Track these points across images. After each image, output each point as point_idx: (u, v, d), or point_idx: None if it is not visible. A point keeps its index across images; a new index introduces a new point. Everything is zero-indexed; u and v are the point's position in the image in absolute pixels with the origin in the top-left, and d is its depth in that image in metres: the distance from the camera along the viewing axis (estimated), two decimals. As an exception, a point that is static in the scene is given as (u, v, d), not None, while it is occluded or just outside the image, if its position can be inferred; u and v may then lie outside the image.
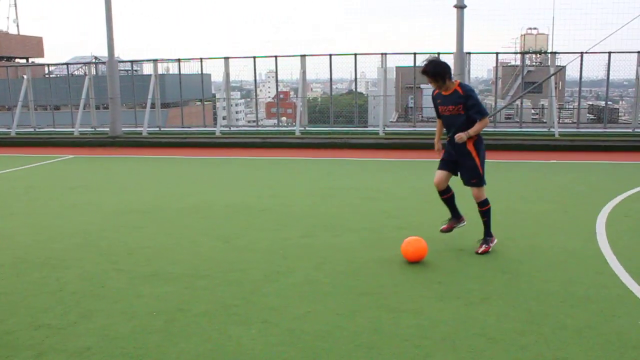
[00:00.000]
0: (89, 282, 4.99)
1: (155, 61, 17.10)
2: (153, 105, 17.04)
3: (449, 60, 13.32)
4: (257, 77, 17.36)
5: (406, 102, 34.88)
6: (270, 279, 4.97)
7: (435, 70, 5.44)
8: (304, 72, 15.70)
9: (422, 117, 25.65)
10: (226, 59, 16.27)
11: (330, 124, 16.00)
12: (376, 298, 4.48)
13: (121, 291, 4.76)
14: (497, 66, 17.31)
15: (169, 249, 5.93)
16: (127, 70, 26.72)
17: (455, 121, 5.54)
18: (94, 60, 29.52)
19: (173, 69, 21.24)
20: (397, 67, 31.47)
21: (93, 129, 17.73)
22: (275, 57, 16.10)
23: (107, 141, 15.66)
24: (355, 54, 15.67)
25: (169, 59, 18.12)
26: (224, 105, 18.25)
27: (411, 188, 8.93)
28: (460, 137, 5.43)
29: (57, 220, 7.28)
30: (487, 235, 5.69)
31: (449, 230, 5.94)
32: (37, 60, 43.44)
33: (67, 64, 24.97)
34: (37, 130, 18.46)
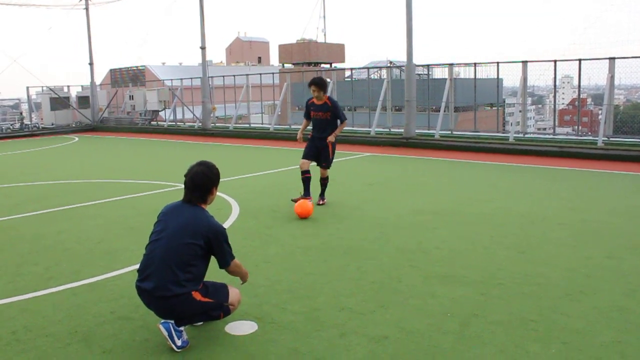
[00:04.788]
0: (386, 275, 5.22)
1: (450, 65, 17.25)
2: (445, 109, 17.23)
3: None
4: (555, 81, 16.34)
5: None
6: (571, 298, 4.60)
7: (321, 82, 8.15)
8: (612, 77, 14.28)
9: None
10: (524, 62, 15.67)
11: (640, 134, 14.28)
12: (703, 339, 3.83)
13: (416, 288, 4.88)
14: None
15: (462, 252, 5.91)
16: (419, 74, 27.51)
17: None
18: (389, 65, 30.96)
19: (463, 73, 21.23)
20: None
21: (388, 130, 18.62)
22: (579, 60, 14.95)
23: (401, 142, 16.29)
24: (680, 56, 13.73)
25: (464, 63, 18.08)
26: (513, 110, 17.62)
27: None
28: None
29: (356, 213, 7.80)
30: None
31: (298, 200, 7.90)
32: (339, 65, 47.25)
33: (366, 68, 26.66)
34: (337, 128, 20.03)
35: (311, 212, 7.54)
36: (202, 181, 4.03)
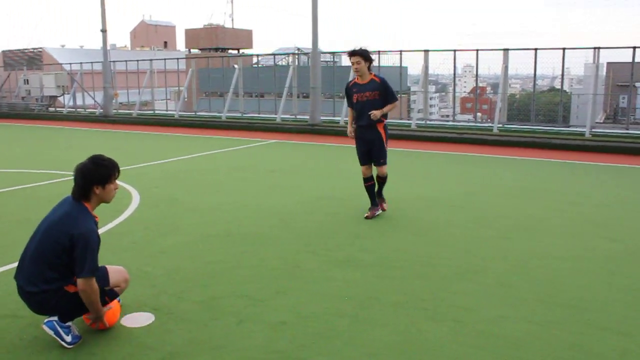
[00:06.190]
0: (284, 261, 5.26)
1: (355, 53, 17.47)
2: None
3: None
4: (455, 71, 16.98)
5: (616, 102, 32.09)
6: (462, 277, 4.83)
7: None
8: (506, 67, 15.04)
9: (634, 118, 23.29)
10: (426, 51, 16.15)
11: (532, 122, 15.15)
12: (576, 312, 4.13)
13: (314, 273, 4.95)
14: None
15: (360, 236, 6.04)
16: (326, 62, 27.74)
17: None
18: (297, 52, 31.00)
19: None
20: (608, 63, 28.99)
21: (294, 117, 18.68)
22: (477, 50, 15.60)
23: (307, 128, 16.40)
24: (564, 49, 14.64)
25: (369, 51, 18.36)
26: (416, 98, 18.19)
27: (622, 196, 8.14)
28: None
29: (258, 200, 7.78)
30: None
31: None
32: (247, 51, 46.77)
33: (273, 54, 26.59)
34: (243, 115, 19.92)
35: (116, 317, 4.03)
36: (79, 177, 3.75)
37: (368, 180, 6.90)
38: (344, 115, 16.95)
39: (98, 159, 3.81)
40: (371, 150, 6.77)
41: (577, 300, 4.33)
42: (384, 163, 6.79)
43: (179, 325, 3.95)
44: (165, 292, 4.52)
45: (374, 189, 6.93)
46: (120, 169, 3.94)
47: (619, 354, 3.52)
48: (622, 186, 9.00)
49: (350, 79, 6.74)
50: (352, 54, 6.54)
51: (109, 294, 3.87)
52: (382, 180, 6.90)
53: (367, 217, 6.76)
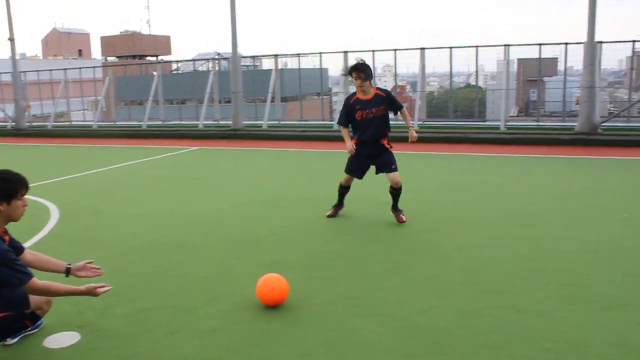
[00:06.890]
0: (213, 268, 5.20)
1: (276, 56, 17.52)
2: (272, 99, 17.49)
3: (579, 50, 12.67)
4: (374, 71, 17.29)
5: (527, 96, 33.63)
6: (391, 272, 4.93)
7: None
8: (423, 66, 15.45)
9: (544, 111, 24.49)
10: (345, 53, 16.34)
11: (450, 118, 15.66)
12: (500, 297, 4.30)
13: (245, 278, 4.90)
14: (632, 56, 16.06)
15: (289, 238, 6.06)
16: (247, 66, 27.60)
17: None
18: (217, 57, 30.63)
19: (291, 63, 21.73)
20: (518, 59, 30.34)
21: (216, 122, 18.49)
22: (395, 50, 15.96)
23: (230, 134, 16.27)
24: (477, 46, 15.22)
25: (289, 54, 18.48)
26: (338, 99, 18.38)
27: (534, 185, 8.52)
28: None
29: (185, 208, 7.66)
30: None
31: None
32: (166, 58, 45.93)
33: (192, 60, 26.25)
34: (165, 123, 19.54)
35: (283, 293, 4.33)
36: None
37: (345, 188, 6.80)
38: (266, 119, 16.96)
39: (3, 173, 3.61)
40: (378, 160, 6.49)
41: (499, 286, 4.51)
42: (396, 169, 6.47)
43: (106, 342, 3.83)
44: (90, 309, 4.36)
45: (346, 195, 6.85)
46: (37, 183, 3.79)
47: (539, 333, 3.69)
48: (537, 175, 9.42)
49: (351, 92, 6.46)
50: (354, 69, 6.09)
51: (29, 317, 3.70)
52: (396, 191, 6.53)
53: (329, 216, 6.81)
